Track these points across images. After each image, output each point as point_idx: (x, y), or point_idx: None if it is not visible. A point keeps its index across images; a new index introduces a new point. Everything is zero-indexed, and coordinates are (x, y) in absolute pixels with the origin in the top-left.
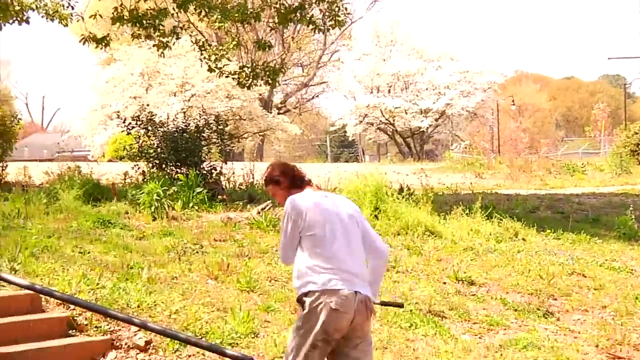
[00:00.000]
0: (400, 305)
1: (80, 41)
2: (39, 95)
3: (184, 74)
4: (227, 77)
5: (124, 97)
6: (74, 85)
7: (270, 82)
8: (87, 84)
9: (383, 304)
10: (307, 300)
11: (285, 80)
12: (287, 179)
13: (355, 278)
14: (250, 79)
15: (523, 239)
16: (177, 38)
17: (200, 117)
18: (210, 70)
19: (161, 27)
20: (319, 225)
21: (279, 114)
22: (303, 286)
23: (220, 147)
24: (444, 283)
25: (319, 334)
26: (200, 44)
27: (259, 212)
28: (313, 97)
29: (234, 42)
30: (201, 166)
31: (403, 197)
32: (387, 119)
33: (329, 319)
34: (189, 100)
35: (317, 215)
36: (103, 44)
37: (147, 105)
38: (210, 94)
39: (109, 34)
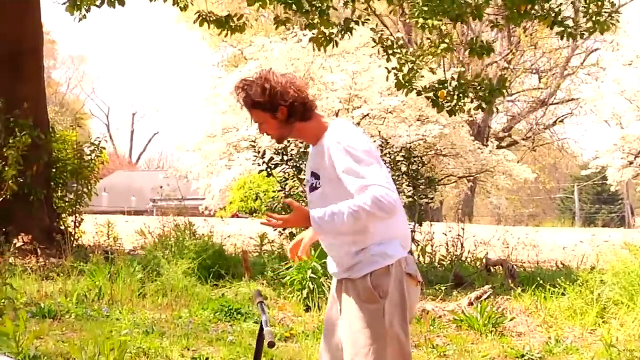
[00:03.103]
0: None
1: (195, 21)
2: (127, 113)
3: (352, 83)
4: (418, 94)
5: None
6: (179, 99)
7: (484, 105)
8: (201, 96)
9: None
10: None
11: (511, 95)
12: (299, 106)
13: None
14: (455, 100)
15: None
16: (350, 32)
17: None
18: (400, 86)
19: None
20: None
21: (499, 147)
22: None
23: (411, 199)
24: None
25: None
26: (388, 43)
27: (471, 303)
28: (554, 123)
29: (444, 45)
30: None
31: None
32: None
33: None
34: (358, 123)
35: None
36: (229, 27)
37: None
38: (393, 114)
39: (239, 14)
